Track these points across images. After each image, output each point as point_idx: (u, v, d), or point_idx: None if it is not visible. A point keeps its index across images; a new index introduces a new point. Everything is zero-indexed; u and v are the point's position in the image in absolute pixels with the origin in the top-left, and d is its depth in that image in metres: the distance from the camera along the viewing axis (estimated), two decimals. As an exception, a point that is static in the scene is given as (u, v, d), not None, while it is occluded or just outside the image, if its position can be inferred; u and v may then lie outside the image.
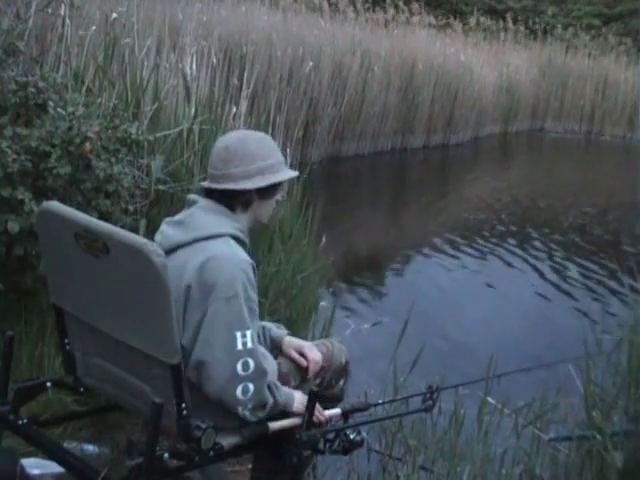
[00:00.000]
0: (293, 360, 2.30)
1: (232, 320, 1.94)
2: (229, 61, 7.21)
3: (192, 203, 2.14)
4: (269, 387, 2.03)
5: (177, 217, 2.14)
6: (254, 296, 2.02)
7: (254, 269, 2.05)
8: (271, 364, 2.16)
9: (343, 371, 2.44)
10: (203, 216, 2.08)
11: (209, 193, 2.13)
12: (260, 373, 1.98)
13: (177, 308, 1.89)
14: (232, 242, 2.05)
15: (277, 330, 2.38)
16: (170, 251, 2.00)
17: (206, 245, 2.02)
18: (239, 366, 1.93)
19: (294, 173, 2.26)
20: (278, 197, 2.21)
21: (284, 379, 2.21)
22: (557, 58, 17.99)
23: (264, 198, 2.16)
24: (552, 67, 17.73)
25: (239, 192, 2.10)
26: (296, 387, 2.27)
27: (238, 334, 1.94)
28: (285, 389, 2.12)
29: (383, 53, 11.54)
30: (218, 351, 1.93)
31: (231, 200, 2.11)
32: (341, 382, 2.43)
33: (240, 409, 1.97)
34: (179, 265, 1.97)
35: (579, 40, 19.10)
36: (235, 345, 1.93)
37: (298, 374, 2.30)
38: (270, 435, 2.09)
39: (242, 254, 2.04)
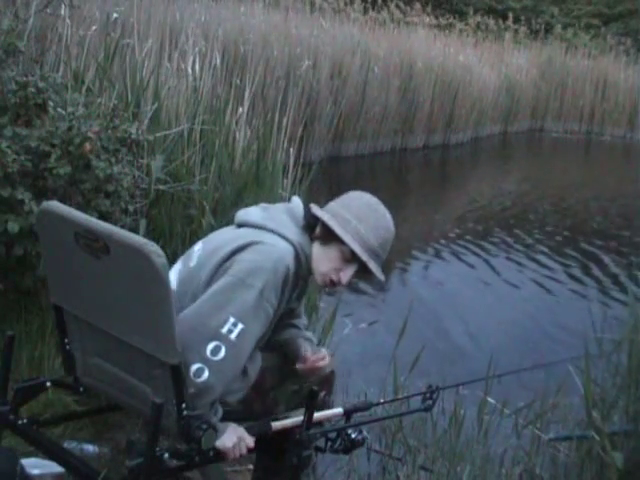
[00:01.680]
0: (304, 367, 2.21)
1: (236, 303, 1.89)
2: (230, 61, 7.21)
3: (286, 205, 2.18)
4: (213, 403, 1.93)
5: (271, 205, 2.18)
6: (273, 300, 1.94)
7: (287, 278, 1.98)
8: (254, 359, 2.09)
9: (326, 381, 2.33)
10: (284, 215, 2.10)
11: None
12: (222, 369, 1.88)
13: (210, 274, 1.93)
14: (290, 247, 2.01)
15: (296, 341, 2.27)
16: (239, 225, 2.07)
17: (266, 235, 2.00)
18: (210, 346, 1.86)
19: (382, 277, 2.14)
20: (336, 264, 2.09)
21: (262, 373, 2.15)
22: (557, 58, 18.00)
23: (346, 263, 2.09)
24: (552, 67, 17.75)
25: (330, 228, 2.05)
26: (271, 388, 2.22)
27: (231, 319, 1.88)
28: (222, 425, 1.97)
29: (383, 53, 11.55)
30: (204, 316, 1.88)
31: (314, 227, 2.09)
32: (322, 393, 2.28)
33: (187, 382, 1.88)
34: (233, 237, 2.02)
35: (579, 40, 19.10)
36: (221, 325, 1.87)
37: (277, 375, 2.23)
38: (270, 435, 2.09)
39: (287, 256, 1.99)
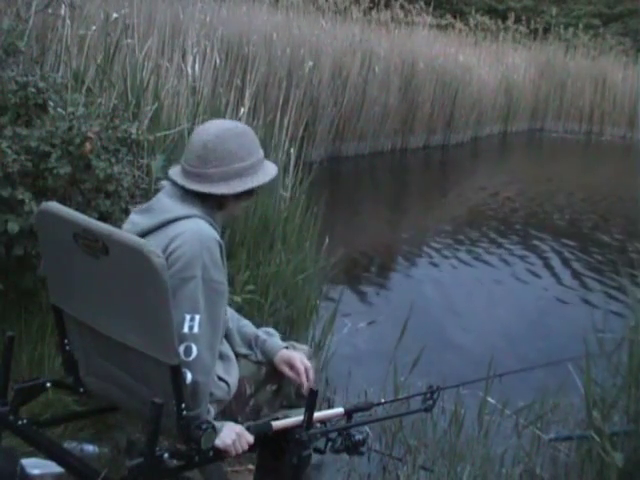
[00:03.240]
0: (288, 376, 2.21)
1: (183, 300, 1.88)
2: (231, 61, 7.21)
3: (160, 189, 2.10)
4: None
5: (144, 205, 2.10)
6: (218, 277, 1.94)
7: (221, 247, 1.98)
8: (231, 371, 2.10)
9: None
10: (169, 200, 2.03)
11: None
12: (202, 363, 1.90)
13: None
14: (200, 221, 1.98)
15: (272, 342, 2.27)
16: (141, 237, 1.95)
17: (172, 226, 1.96)
18: (181, 349, 1.87)
19: (273, 172, 2.14)
20: (246, 204, 2.14)
21: (240, 382, 2.15)
22: (557, 58, 18.01)
23: (241, 199, 2.11)
24: (552, 67, 17.75)
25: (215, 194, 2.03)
26: (250, 395, 2.21)
27: (187, 317, 1.88)
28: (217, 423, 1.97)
29: (383, 53, 11.55)
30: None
31: (205, 198, 2.04)
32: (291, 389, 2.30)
33: None
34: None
35: (579, 40, 19.10)
36: (182, 327, 1.88)
37: (254, 382, 2.23)
38: (270, 434, 2.09)
39: (208, 231, 1.97)
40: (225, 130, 2.08)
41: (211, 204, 2.05)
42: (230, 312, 2.28)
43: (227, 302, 2.07)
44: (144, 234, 1.98)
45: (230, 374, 2.11)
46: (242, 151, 2.06)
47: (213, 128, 2.09)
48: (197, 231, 1.95)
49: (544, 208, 9.75)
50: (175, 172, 2.09)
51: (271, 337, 2.29)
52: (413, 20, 14.52)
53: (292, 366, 2.22)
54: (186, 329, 1.89)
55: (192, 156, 2.04)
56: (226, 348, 2.15)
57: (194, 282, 1.90)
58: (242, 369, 2.18)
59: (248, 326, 2.30)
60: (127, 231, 2.00)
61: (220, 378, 2.07)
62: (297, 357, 2.23)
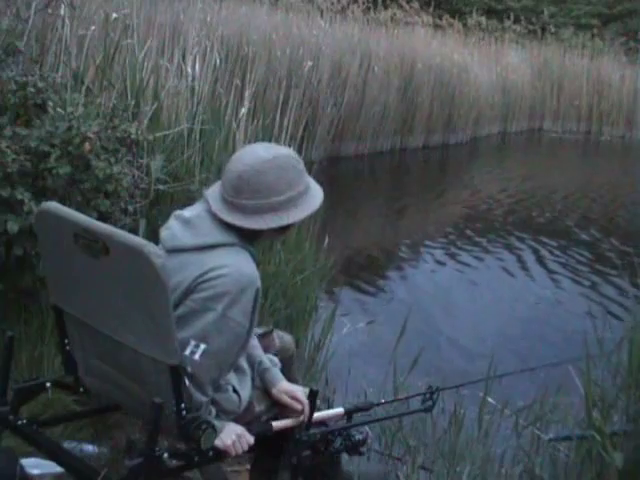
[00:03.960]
0: (283, 403, 2.17)
1: (196, 326, 1.87)
2: (231, 61, 7.21)
3: (205, 202, 2.02)
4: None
5: (187, 213, 2.03)
6: (239, 318, 1.89)
7: (257, 294, 1.92)
8: (244, 385, 2.08)
9: (289, 360, 2.37)
10: (210, 222, 1.96)
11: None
12: (198, 374, 1.88)
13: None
14: (243, 256, 1.94)
15: (274, 372, 2.23)
16: (174, 251, 1.94)
17: (213, 253, 1.91)
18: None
19: (314, 205, 2.02)
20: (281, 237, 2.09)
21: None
22: (555, 58, 18.01)
23: (277, 232, 2.05)
24: (550, 67, 17.76)
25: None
26: (261, 413, 2.18)
27: (192, 342, 1.87)
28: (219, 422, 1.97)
29: (382, 53, 11.55)
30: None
31: (240, 229, 1.97)
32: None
33: None
34: (181, 267, 1.92)
35: (578, 40, 19.11)
36: (184, 349, 1.87)
37: (264, 402, 2.19)
38: (270, 435, 2.09)
39: (251, 274, 1.92)
40: (263, 162, 1.96)
41: (247, 234, 1.98)
42: None
43: (245, 344, 2.01)
44: (182, 250, 1.95)
45: (243, 388, 2.09)
46: (280, 185, 1.95)
47: (249, 157, 1.98)
48: (241, 271, 1.90)
49: (544, 209, 9.75)
50: (215, 194, 2.02)
51: (274, 367, 2.25)
52: (414, 20, 14.52)
53: (294, 397, 2.17)
54: (188, 352, 1.88)
55: (228, 185, 1.97)
56: (243, 361, 2.12)
57: (213, 315, 1.88)
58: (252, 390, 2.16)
59: (257, 347, 2.25)
60: (165, 240, 1.97)
61: (234, 390, 2.05)
62: (300, 390, 2.19)
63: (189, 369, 1.87)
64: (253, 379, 2.17)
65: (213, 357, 1.91)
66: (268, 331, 2.37)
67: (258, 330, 2.30)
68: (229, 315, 1.88)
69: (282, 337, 2.42)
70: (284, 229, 2.06)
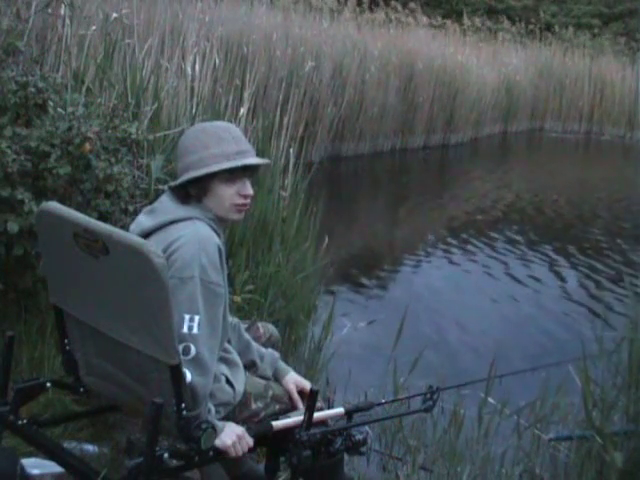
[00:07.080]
0: (290, 394, 2.28)
1: (183, 301, 1.90)
2: (231, 61, 7.21)
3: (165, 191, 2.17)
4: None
5: (150, 206, 2.16)
6: (216, 279, 1.96)
7: (220, 250, 2.00)
8: (237, 377, 2.12)
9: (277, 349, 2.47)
10: (170, 202, 2.08)
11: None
12: (200, 363, 1.91)
13: None
14: (198, 223, 2.02)
15: (283, 364, 2.37)
16: (143, 237, 1.99)
17: (173, 228, 2.01)
18: (180, 349, 1.87)
19: (224, 165, 2.06)
20: (232, 191, 2.08)
21: (246, 395, 2.16)
22: (556, 58, 18.02)
23: (202, 192, 2.08)
24: (551, 67, 17.76)
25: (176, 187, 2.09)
26: (258, 410, 2.20)
27: (186, 317, 1.90)
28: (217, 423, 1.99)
29: (382, 53, 11.55)
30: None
31: (198, 197, 2.09)
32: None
33: None
34: None
35: (578, 40, 19.12)
36: (181, 327, 1.89)
37: (261, 400, 2.23)
38: (270, 434, 2.09)
39: (207, 233, 2.00)
40: (194, 127, 2.20)
41: (200, 199, 2.07)
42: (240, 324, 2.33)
43: (227, 304, 2.08)
44: (146, 234, 2.03)
45: (237, 380, 2.12)
46: (194, 145, 2.08)
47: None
48: (196, 233, 1.98)
49: (544, 208, 9.76)
50: (180, 178, 2.13)
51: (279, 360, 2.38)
52: (412, 20, 14.51)
53: (301, 391, 2.29)
54: (185, 329, 1.90)
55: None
56: (234, 356, 2.17)
57: (192, 282, 1.92)
58: (249, 386, 2.19)
59: (252, 342, 2.36)
60: (132, 231, 2.05)
61: (228, 381, 2.08)
62: (309, 385, 2.30)
63: (192, 346, 1.89)
64: (255, 370, 2.26)
65: (209, 325, 1.94)
66: (251, 323, 2.49)
67: (243, 324, 2.38)
68: (205, 279, 1.93)
69: (266, 326, 2.53)
70: (205, 187, 2.06)
